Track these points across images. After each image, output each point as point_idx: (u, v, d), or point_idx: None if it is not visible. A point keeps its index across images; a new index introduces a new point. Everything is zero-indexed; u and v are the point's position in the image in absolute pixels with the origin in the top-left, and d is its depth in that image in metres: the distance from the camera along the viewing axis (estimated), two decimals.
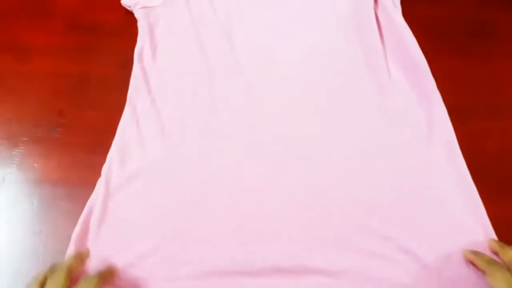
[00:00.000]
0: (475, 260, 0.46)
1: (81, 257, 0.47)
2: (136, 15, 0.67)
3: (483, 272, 0.45)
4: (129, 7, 0.68)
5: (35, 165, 0.57)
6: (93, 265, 0.48)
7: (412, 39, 0.61)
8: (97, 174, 0.53)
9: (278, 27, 0.65)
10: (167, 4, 0.67)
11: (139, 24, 0.66)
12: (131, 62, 0.62)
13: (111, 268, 0.47)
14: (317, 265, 0.47)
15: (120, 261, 0.48)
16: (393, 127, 0.56)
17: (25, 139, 0.59)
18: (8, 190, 0.55)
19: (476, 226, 0.49)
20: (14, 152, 0.58)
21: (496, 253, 0.46)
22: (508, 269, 0.42)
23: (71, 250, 0.48)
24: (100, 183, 0.52)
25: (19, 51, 0.67)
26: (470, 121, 0.58)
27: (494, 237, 0.48)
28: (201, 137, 0.56)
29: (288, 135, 0.55)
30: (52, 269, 0.43)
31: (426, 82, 0.58)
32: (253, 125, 0.56)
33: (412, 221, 0.49)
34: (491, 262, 0.44)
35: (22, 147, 0.58)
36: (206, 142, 0.55)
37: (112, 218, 0.50)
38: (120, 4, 0.69)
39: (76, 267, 0.46)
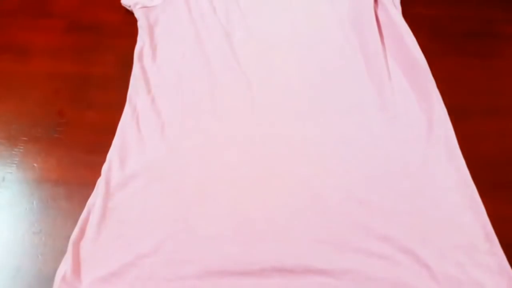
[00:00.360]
0: None
1: None
2: (136, 15, 0.67)
3: None
4: (129, 7, 0.68)
5: (35, 165, 0.57)
6: (92, 265, 0.48)
7: (412, 39, 0.61)
8: (97, 174, 0.53)
9: (278, 27, 0.65)
10: (167, 4, 0.67)
11: (139, 24, 0.66)
12: (131, 62, 0.62)
13: None
14: (317, 265, 0.47)
15: (120, 261, 0.48)
16: (393, 127, 0.56)
17: (25, 139, 0.59)
18: (8, 190, 0.55)
19: (476, 226, 0.49)
20: (14, 152, 0.58)
21: None
22: None
23: (70, 250, 0.48)
24: (100, 183, 0.52)
25: (19, 51, 0.67)
26: (470, 121, 0.59)
27: (494, 237, 0.48)
28: (201, 136, 0.56)
29: (288, 135, 0.55)
30: None
31: (426, 82, 0.58)
32: (253, 125, 0.56)
33: (412, 221, 0.49)
34: None
35: (22, 147, 0.58)
36: (206, 142, 0.55)
37: (112, 218, 0.50)
38: (120, 4, 0.69)
39: None
